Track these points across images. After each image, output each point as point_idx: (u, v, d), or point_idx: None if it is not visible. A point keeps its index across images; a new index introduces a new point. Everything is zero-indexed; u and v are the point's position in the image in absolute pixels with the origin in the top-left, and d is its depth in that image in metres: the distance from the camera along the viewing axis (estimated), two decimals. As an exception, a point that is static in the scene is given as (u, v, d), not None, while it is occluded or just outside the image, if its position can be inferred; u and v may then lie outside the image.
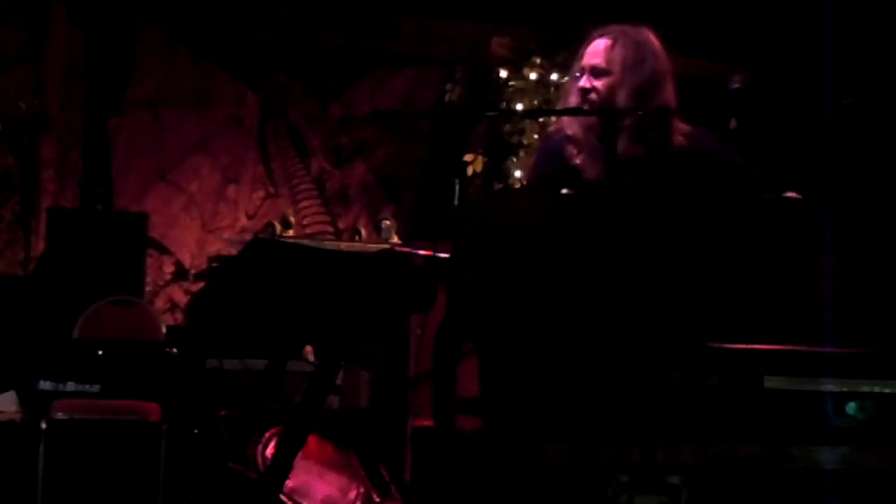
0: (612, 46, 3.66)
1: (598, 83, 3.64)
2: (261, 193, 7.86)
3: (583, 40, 3.75)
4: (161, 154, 7.70)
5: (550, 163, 3.74)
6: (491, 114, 7.40)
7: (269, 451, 4.83)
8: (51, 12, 7.49)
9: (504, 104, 7.13)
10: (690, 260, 2.86)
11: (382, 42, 7.95)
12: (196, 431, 5.57)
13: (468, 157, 7.28)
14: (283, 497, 4.54)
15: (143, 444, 5.56)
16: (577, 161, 3.66)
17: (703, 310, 2.85)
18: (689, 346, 2.81)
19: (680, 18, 7.60)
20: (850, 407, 2.86)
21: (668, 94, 3.67)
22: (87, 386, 5.79)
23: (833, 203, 2.99)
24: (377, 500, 4.85)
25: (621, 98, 3.60)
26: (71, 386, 5.78)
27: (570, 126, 3.71)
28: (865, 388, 2.87)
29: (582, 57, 3.71)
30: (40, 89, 7.46)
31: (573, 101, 3.69)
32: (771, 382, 2.84)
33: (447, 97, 7.66)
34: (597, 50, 3.68)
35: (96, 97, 7.58)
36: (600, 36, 3.71)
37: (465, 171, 7.21)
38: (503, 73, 7.36)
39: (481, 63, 7.58)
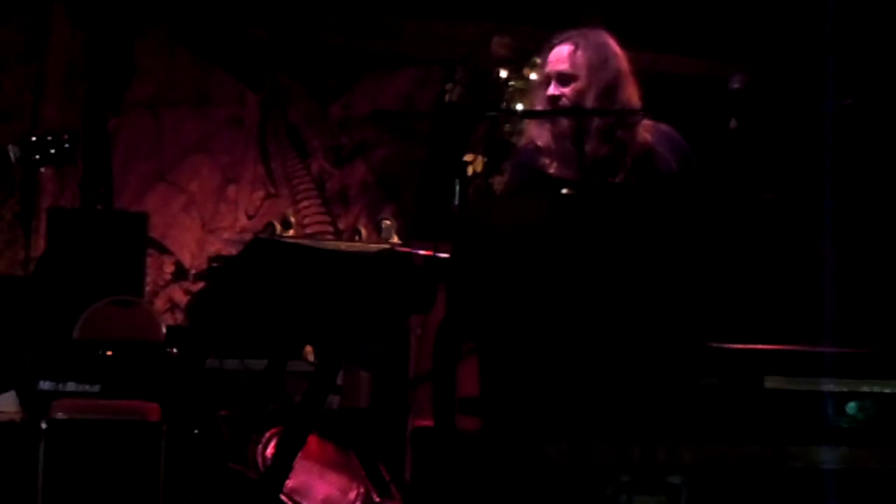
0: (575, 51, 3.72)
1: (566, 89, 3.69)
2: (261, 193, 7.86)
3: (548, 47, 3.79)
4: (161, 154, 7.70)
5: (523, 175, 3.78)
6: (491, 114, 7.40)
7: (270, 451, 4.83)
8: (51, 12, 7.49)
9: (504, 104, 7.13)
10: (690, 260, 2.86)
11: (382, 42, 7.96)
12: (196, 431, 5.56)
13: (468, 157, 7.28)
14: (283, 497, 4.54)
15: (144, 444, 5.56)
16: (552, 170, 3.69)
17: (703, 310, 2.85)
18: (689, 346, 2.82)
19: (680, 18, 7.61)
20: (850, 407, 2.86)
21: (632, 92, 3.72)
22: (88, 386, 5.79)
23: (833, 203, 2.99)
24: (377, 499, 4.85)
25: (589, 100, 3.66)
26: (71, 386, 5.77)
27: (540, 136, 3.75)
28: (865, 388, 2.87)
29: (546, 65, 3.75)
30: (40, 89, 7.46)
31: (541, 109, 3.75)
32: (771, 382, 2.84)
33: (447, 97, 7.66)
34: (560, 56, 3.74)
35: (96, 97, 7.58)
36: (561, 42, 3.75)
37: (465, 171, 7.20)
38: (503, 73, 7.36)
39: (481, 63, 7.58)
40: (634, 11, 7.42)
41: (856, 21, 6.11)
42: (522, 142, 3.95)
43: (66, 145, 4.59)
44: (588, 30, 3.80)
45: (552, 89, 3.71)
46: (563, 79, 3.71)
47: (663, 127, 3.75)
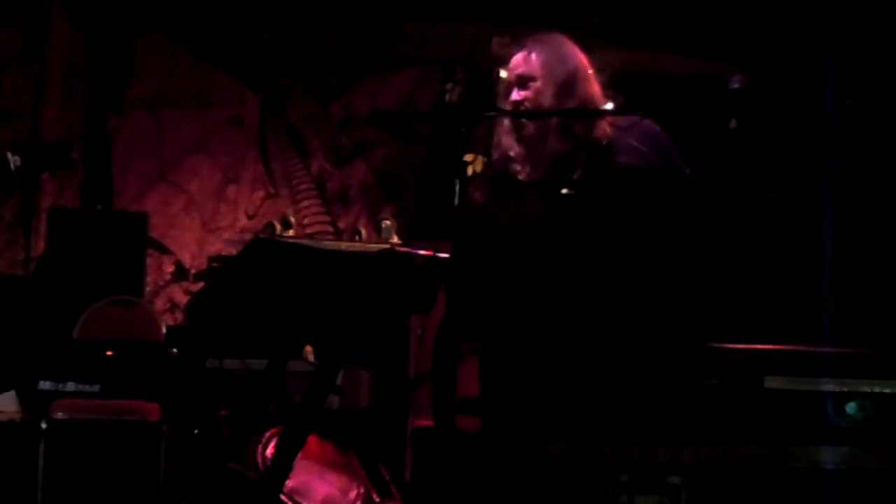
0: (529, 54, 3.76)
1: (527, 92, 3.72)
2: (261, 193, 7.86)
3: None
4: (161, 154, 7.70)
5: (500, 182, 3.80)
6: (491, 114, 7.40)
7: (270, 451, 4.83)
8: (51, 12, 7.49)
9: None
10: (690, 260, 2.86)
11: (382, 42, 7.96)
12: (196, 431, 5.56)
13: (468, 157, 7.27)
14: (283, 497, 4.54)
15: (143, 444, 5.56)
16: (522, 175, 3.71)
17: (703, 310, 2.85)
18: (690, 346, 2.81)
19: (680, 18, 7.61)
20: (850, 407, 2.86)
21: (592, 89, 3.73)
22: (87, 386, 5.79)
23: (833, 203, 2.99)
24: (377, 500, 4.85)
25: (547, 98, 3.67)
26: (71, 386, 5.77)
27: (510, 143, 3.77)
28: (865, 388, 2.87)
29: (507, 74, 3.79)
30: (40, 89, 7.46)
31: (507, 119, 3.77)
32: (771, 382, 2.84)
33: (447, 97, 7.66)
34: (517, 62, 3.77)
35: (96, 97, 7.58)
36: (518, 51, 3.79)
37: (465, 171, 7.20)
38: (503, 74, 7.35)
39: (481, 63, 7.58)
40: (634, 11, 7.42)
41: (856, 21, 6.11)
42: (495, 155, 3.97)
43: (67, 157, 4.60)
44: (543, 34, 3.83)
45: (514, 95, 3.76)
46: (521, 82, 3.76)
47: (644, 122, 3.73)
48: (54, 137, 7.40)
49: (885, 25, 6.72)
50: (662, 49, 7.69)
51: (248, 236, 6.36)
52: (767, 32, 7.45)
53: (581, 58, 3.78)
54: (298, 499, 4.71)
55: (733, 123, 3.38)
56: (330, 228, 7.89)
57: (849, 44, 5.38)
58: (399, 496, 4.74)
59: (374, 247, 4.00)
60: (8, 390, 5.88)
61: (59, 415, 5.56)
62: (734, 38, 7.49)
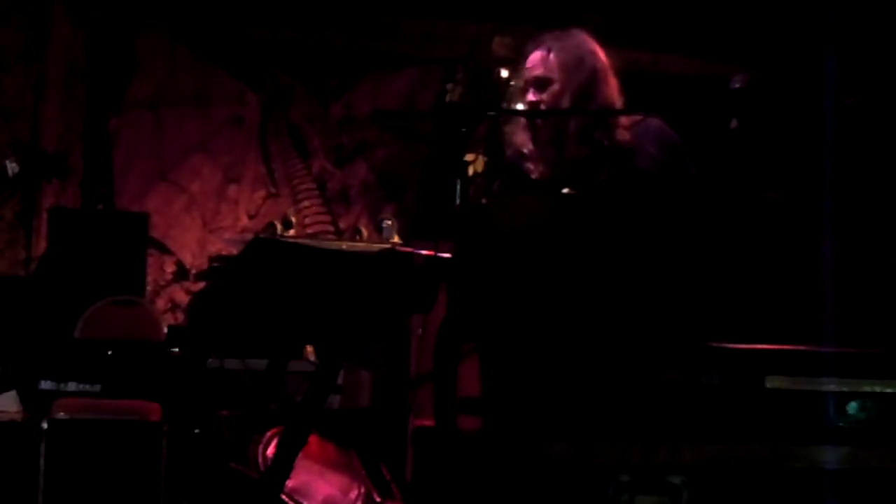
0: (548, 55, 3.70)
1: (544, 94, 3.68)
2: (262, 193, 7.86)
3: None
4: (162, 154, 7.71)
5: (513, 179, 3.79)
6: (491, 114, 7.41)
7: (270, 450, 4.83)
8: (51, 12, 7.49)
9: (505, 104, 7.12)
10: (692, 260, 2.86)
11: (383, 42, 7.96)
12: (197, 431, 5.57)
13: (469, 157, 7.27)
14: (283, 497, 4.54)
15: (145, 443, 5.56)
16: (535, 175, 3.69)
17: (704, 310, 2.85)
18: (691, 346, 2.82)
19: (680, 18, 7.61)
20: (852, 407, 2.86)
21: (611, 89, 3.69)
22: (89, 386, 5.80)
23: (833, 203, 2.99)
24: (378, 499, 4.85)
25: (564, 102, 3.63)
26: (72, 386, 5.78)
27: (524, 142, 3.74)
28: (867, 388, 2.88)
29: (524, 72, 3.75)
30: (41, 89, 7.46)
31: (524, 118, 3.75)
32: (772, 382, 2.84)
33: (448, 97, 7.66)
34: (534, 62, 3.72)
35: (97, 97, 7.58)
36: (535, 48, 3.74)
37: (466, 171, 7.20)
38: (504, 73, 7.35)
39: (482, 63, 7.58)
40: (634, 11, 7.42)
41: (856, 21, 6.11)
42: (508, 151, 3.95)
43: (63, 165, 4.63)
44: (563, 31, 3.78)
45: (530, 96, 3.72)
46: (539, 84, 3.71)
47: (652, 121, 3.71)
48: (55, 137, 7.40)
49: (885, 25, 6.72)
50: (662, 49, 7.70)
51: (248, 236, 6.36)
52: (767, 32, 7.46)
53: (601, 58, 3.71)
54: (299, 499, 4.71)
55: (734, 123, 3.38)
56: (331, 228, 7.90)
57: (849, 44, 5.38)
58: (400, 496, 4.74)
59: (375, 246, 4.00)
60: (9, 390, 5.89)
61: (61, 414, 5.56)
62: (734, 38, 7.50)
